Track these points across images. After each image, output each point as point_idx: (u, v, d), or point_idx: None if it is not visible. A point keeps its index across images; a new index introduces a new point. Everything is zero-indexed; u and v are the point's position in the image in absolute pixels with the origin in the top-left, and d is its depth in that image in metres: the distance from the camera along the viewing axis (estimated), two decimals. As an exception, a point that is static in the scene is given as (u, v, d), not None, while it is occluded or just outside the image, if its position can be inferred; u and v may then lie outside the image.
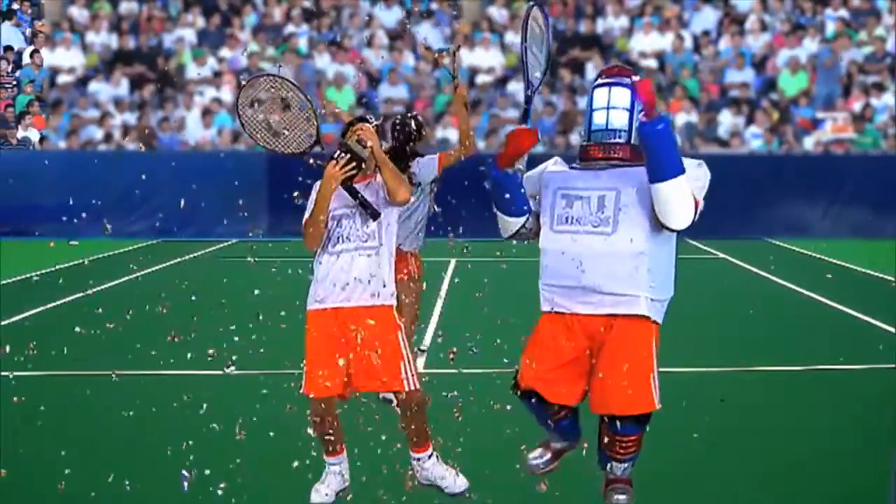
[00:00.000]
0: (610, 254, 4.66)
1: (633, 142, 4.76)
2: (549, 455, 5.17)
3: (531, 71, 4.95)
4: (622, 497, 4.92)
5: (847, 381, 7.61)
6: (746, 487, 5.20)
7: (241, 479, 5.33)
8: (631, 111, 4.77)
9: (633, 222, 4.67)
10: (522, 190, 4.91)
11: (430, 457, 5.18)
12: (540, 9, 4.97)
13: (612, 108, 4.77)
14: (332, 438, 5.12)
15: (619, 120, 4.77)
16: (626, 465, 4.93)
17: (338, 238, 4.99)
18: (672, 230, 4.70)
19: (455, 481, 5.20)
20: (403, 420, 5.10)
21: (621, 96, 4.78)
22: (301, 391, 5.04)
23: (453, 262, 13.96)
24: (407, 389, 4.98)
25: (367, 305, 4.97)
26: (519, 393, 4.96)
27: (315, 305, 5.02)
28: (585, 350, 4.80)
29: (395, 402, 5.36)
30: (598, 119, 4.80)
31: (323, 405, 5.02)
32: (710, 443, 5.95)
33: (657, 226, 4.69)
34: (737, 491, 5.14)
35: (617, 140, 4.76)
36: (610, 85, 4.81)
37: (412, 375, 4.99)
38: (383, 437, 5.55)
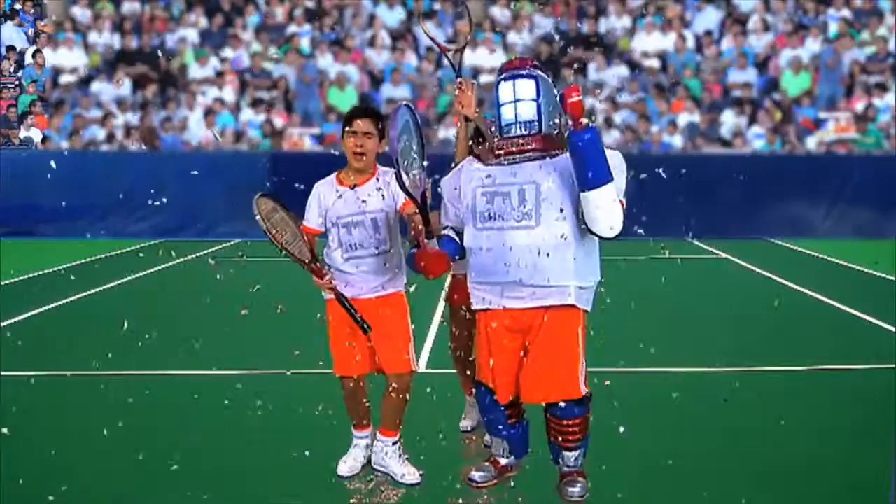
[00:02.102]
0: (536, 246, 4.70)
1: (543, 131, 4.77)
2: (492, 470, 5.20)
3: (410, 172, 4.82)
4: (575, 489, 4.99)
5: (848, 381, 7.60)
6: (746, 487, 5.19)
7: (242, 478, 5.32)
8: (538, 100, 4.77)
9: (556, 213, 4.70)
10: (449, 241, 5.00)
11: (394, 444, 5.39)
12: (409, 108, 4.90)
13: (519, 100, 4.79)
14: (360, 413, 5.47)
15: (528, 111, 4.78)
16: (576, 454, 5.00)
17: (350, 245, 5.21)
18: (602, 238, 4.72)
19: (405, 474, 5.32)
20: (388, 397, 5.32)
21: (526, 87, 4.80)
22: (333, 371, 5.39)
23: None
24: (411, 369, 5.28)
25: (379, 296, 5.24)
26: (476, 386, 5.11)
27: (331, 296, 5.21)
28: (518, 346, 4.88)
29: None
30: (507, 114, 4.81)
31: (351, 384, 5.37)
32: (711, 443, 5.94)
33: (578, 215, 4.71)
34: (737, 491, 5.13)
35: (528, 132, 4.78)
36: (514, 77, 4.82)
37: (413, 357, 5.29)
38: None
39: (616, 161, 4.75)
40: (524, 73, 4.82)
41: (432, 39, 5.61)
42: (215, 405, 6.82)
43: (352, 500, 5.05)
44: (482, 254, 4.83)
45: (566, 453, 5.03)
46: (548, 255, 4.70)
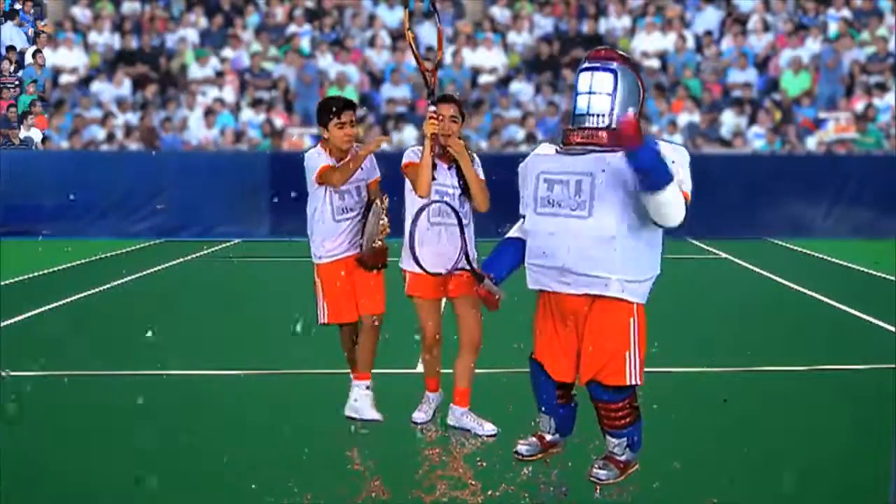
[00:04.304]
0: (585, 236, 4.85)
1: (614, 125, 4.87)
2: (538, 445, 5.44)
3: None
4: (601, 472, 5.12)
5: (847, 381, 7.60)
6: (746, 487, 5.19)
7: (240, 478, 5.32)
8: (613, 95, 4.90)
9: (607, 207, 4.82)
10: (506, 251, 5.26)
11: (367, 387, 6.23)
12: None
13: (593, 92, 4.91)
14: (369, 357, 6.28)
15: (601, 105, 4.90)
16: (617, 441, 5.14)
17: (342, 209, 6.15)
18: (668, 228, 4.84)
19: (368, 412, 6.19)
20: (362, 341, 6.21)
21: (603, 81, 4.91)
22: (324, 321, 6.26)
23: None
24: (382, 312, 6.18)
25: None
26: (530, 361, 5.28)
27: (327, 259, 6.18)
28: (571, 328, 5.04)
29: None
30: (581, 103, 4.95)
31: (343, 329, 6.29)
32: (710, 443, 5.94)
33: (632, 210, 4.83)
34: (737, 490, 5.13)
35: (597, 125, 4.90)
36: (593, 69, 4.95)
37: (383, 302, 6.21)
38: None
39: (679, 156, 4.89)
40: (604, 66, 4.92)
41: (415, 55, 5.73)
42: (215, 405, 6.82)
43: (357, 499, 5.05)
44: (538, 237, 5.03)
45: (609, 437, 5.17)
46: (594, 245, 4.83)
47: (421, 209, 5.30)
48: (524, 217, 5.21)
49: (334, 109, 6.07)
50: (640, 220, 4.86)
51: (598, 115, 4.90)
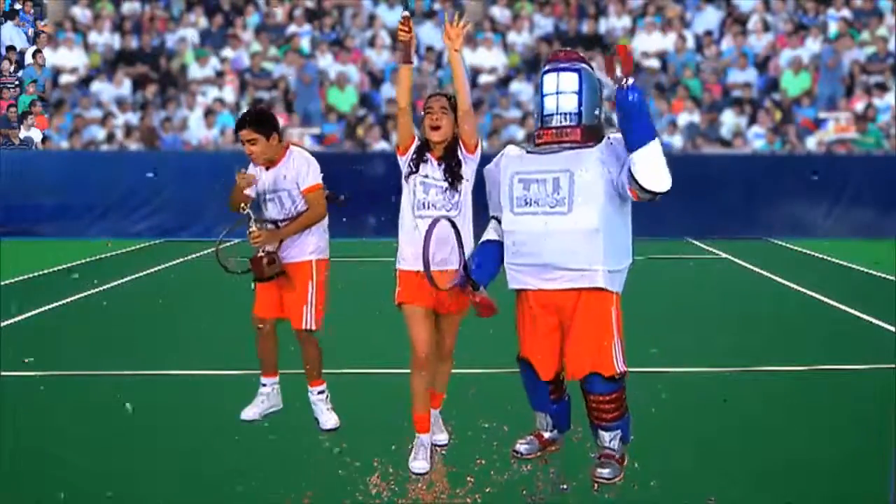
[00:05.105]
0: (568, 231, 4.91)
1: (584, 123, 4.99)
2: (536, 443, 5.50)
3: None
4: (604, 471, 5.15)
5: (847, 381, 7.59)
6: (746, 487, 5.19)
7: (240, 478, 5.32)
8: (580, 94, 4.99)
9: (588, 201, 4.90)
10: (487, 251, 5.25)
11: (320, 392, 6.25)
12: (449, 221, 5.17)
13: (561, 92, 5.00)
14: (265, 360, 6.43)
15: (569, 104, 5.00)
16: (610, 434, 5.20)
17: (266, 219, 6.22)
18: (657, 193, 4.85)
19: (328, 419, 6.16)
20: (302, 353, 6.27)
21: (569, 80, 5.01)
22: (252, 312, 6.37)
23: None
24: (303, 328, 6.16)
25: (292, 262, 6.16)
26: (518, 362, 5.33)
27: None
28: (555, 324, 5.10)
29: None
30: (549, 104, 5.03)
31: (262, 325, 6.35)
32: (710, 443, 5.94)
33: (609, 201, 4.92)
34: (736, 491, 5.13)
35: (568, 123, 4.99)
36: (558, 70, 5.03)
37: (311, 318, 6.16)
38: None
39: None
40: (568, 65, 5.04)
41: None
42: (215, 405, 6.82)
43: (358, 497, 5.05)
44: (517, 237, 5.07)
45: (601, 433, 5.20)
46: (578, 240, 4.90)
47: (433, 225, 4.96)
48: (494, 219, 5.29)
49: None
50: (616, 210, 4.98)
51: (567, 114, 5.00)
